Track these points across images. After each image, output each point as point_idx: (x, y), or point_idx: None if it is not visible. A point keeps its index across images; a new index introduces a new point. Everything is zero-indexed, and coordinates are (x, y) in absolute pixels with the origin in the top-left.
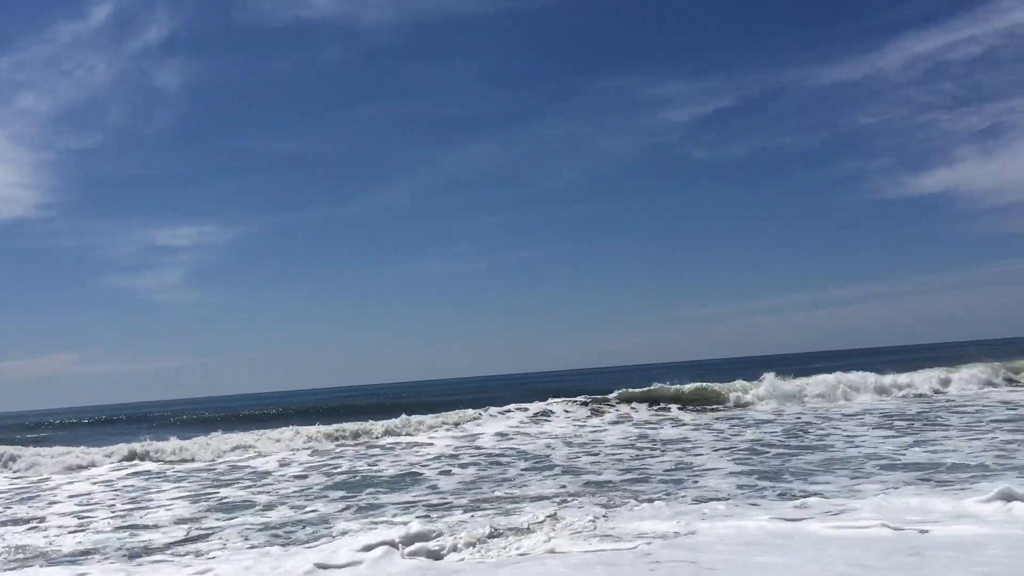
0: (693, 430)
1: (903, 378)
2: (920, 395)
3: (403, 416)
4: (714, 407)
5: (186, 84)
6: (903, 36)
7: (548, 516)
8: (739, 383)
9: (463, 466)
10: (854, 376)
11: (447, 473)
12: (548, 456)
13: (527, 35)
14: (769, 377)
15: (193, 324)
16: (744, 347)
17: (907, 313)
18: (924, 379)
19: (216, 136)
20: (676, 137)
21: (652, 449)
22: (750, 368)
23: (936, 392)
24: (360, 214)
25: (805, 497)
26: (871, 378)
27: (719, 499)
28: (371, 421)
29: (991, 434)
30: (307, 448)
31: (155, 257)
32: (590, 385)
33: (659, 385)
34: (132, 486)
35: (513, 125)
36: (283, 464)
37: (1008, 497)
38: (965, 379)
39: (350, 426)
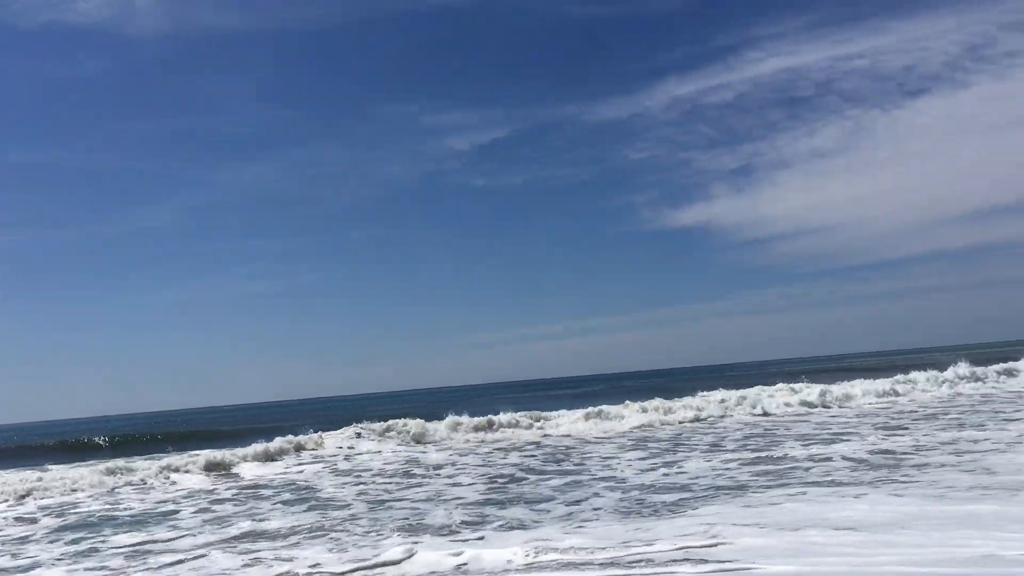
0: (462, 456)
1: (656, 403)
2: (682, 419)
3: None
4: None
5: None
6: (665, 80)
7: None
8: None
9: (219, 501)
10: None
11: (201, 510)
12: (310, 487)
13: (308, 56)
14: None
15: None
16: (515, 372)
17: (671, 339)
18: (683, 405)
19: None
20: (458, 165)
21: (414, 476)
22: (516, 391)
23: (696, 419)
24: (120, 234)
25: (518, 529)
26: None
27: (431, 534)
28: (137, 459)
29: (722, 455)
30: (45, 485)
31: None
32: (366, 411)
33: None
34: None
35: (292, 146)
36: (11, 505)
37: None
38: (713, 405)
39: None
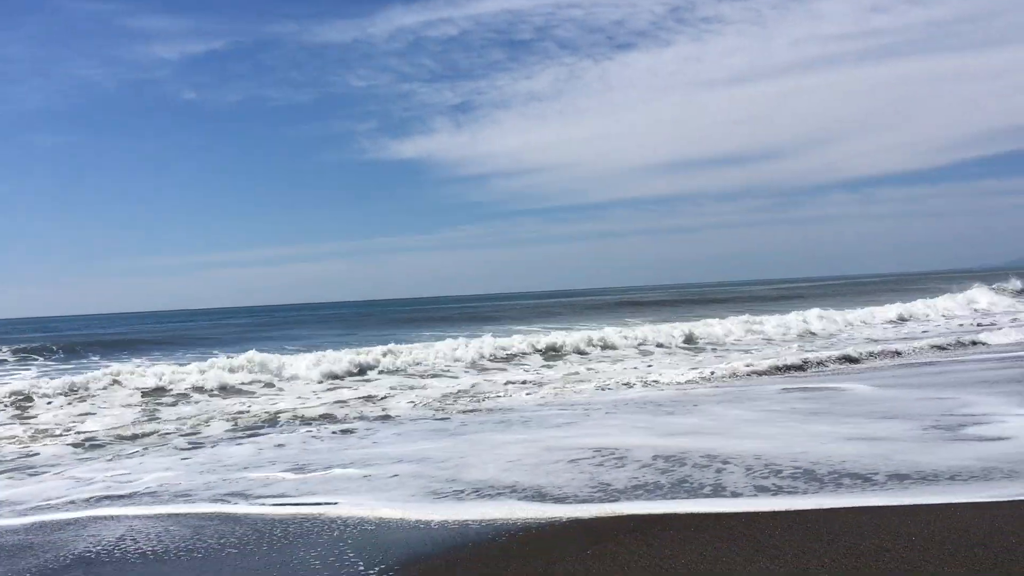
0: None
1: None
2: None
3: None
4: None
5: None
6: (390, 7)
7: None
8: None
9: None
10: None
11: None
12: None
13: None
14: None
15: None
16: (211, 299)
17: (388, 269)
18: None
19: None
20: (166, 74)
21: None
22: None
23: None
24: None
25: None
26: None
27: None
28: None
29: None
30: None
31: None
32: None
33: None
34: None
35: None
36: None
37: None
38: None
39: None
